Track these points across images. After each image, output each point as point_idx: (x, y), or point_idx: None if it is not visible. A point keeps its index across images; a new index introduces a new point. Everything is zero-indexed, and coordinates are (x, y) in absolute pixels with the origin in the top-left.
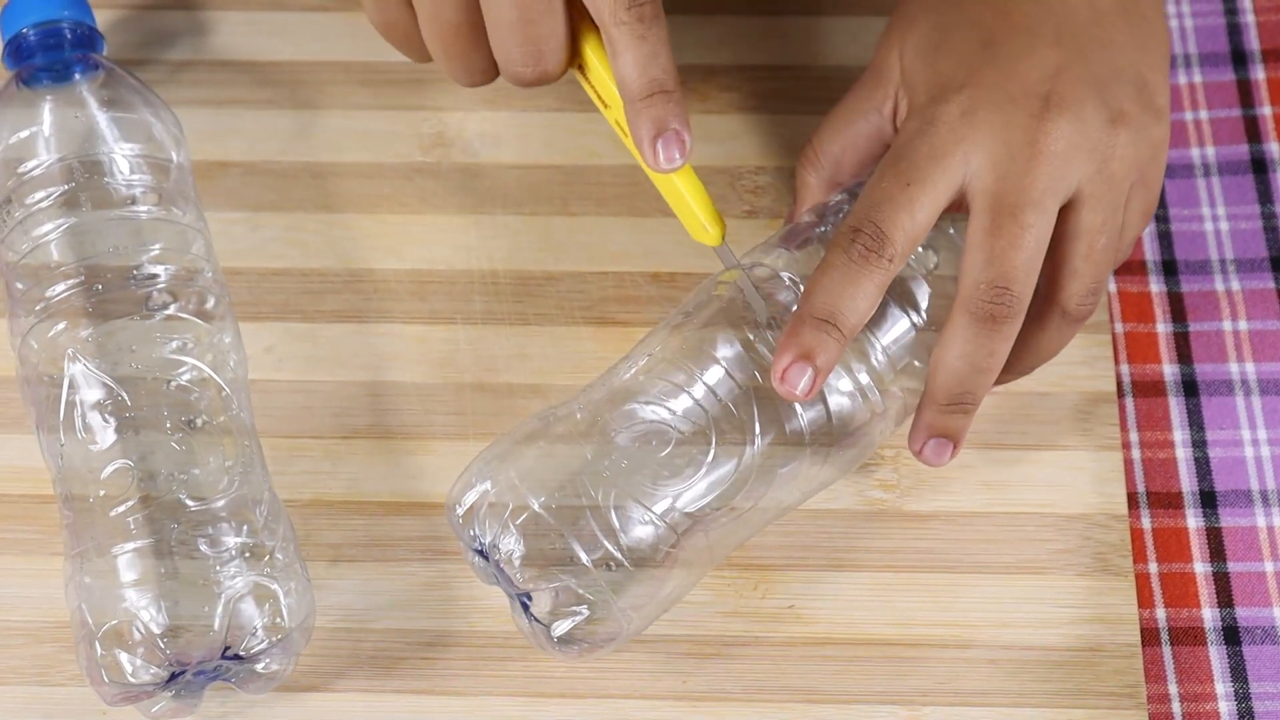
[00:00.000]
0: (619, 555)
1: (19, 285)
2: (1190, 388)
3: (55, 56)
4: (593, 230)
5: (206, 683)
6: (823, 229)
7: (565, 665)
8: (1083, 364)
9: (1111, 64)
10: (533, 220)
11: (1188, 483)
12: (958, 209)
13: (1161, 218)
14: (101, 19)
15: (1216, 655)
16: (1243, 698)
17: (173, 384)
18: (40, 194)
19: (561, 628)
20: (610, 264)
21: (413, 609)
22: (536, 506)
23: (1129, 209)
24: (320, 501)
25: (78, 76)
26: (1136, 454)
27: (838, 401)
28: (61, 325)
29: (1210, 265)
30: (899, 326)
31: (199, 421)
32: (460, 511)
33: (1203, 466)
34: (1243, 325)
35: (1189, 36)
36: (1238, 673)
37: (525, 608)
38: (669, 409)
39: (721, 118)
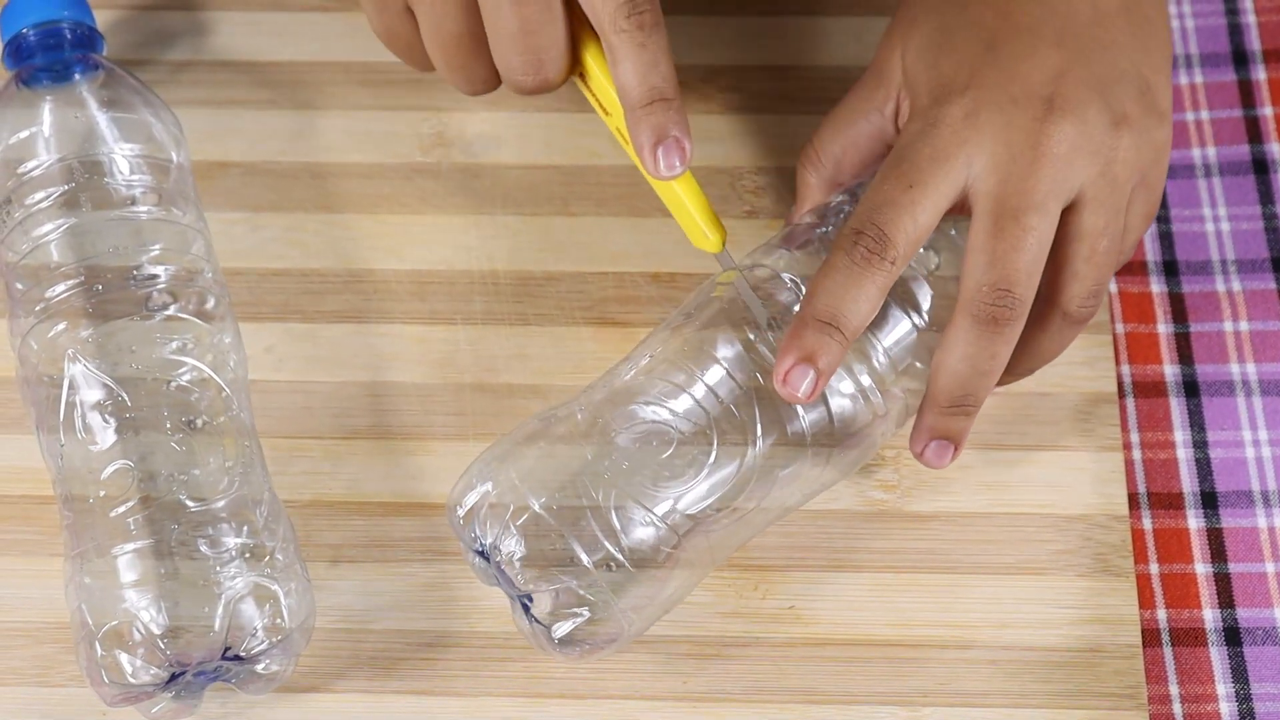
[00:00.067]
0: (620, 556)
1: (19, 286)
2: (1191, 388)
3: (55, 57)
4: (593, 230)
5: (207, 683)
6: (824, 229)
7: (565, 666)
8: (1083, 364)
9: (1114, 66)
10: (533, 220)
11: (1188, 483)
12: (960, 211)
13: (1162, 218)
14: (101, 19)
15: (1217, 656)
16: (1244, 699)
17: (173, 384)
18: (40, 194)
19: (562, 629)
20: (610, 264)
21: (413, 610)
22: (537, 508)
23: (1131, 211)
24: (320, 502)
25: (77, 77)
26: (1137, 454)
27: (839, 403)
28: (61, 326)
29: (1211, 266)
30: (901, 328)
31: (199, 422)
32: (461, 512)
33: (1204, 467)
34: (1244, 326)
35: (1190, 37)
36: (1239, 674)
37: (526, 609)
38: (670, 410)
39: (722, 118)
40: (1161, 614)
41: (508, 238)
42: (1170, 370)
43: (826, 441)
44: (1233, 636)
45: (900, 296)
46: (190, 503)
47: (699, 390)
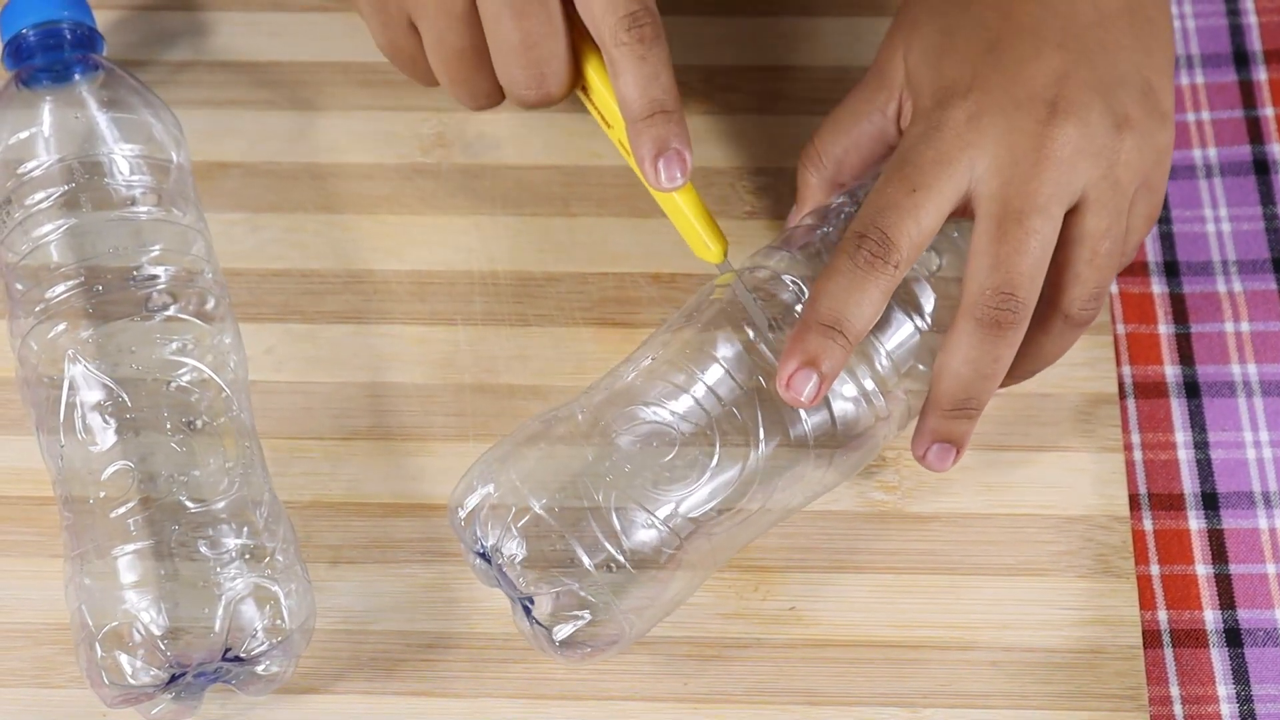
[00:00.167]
0: (621, 558)
1: (19, 286)
2: (1192, 389)
3: (55, 57)
4: (593, 231)
5: (207, 685)
6: (825, 230)
7: (566, 668)
8: (1084, 365)
9: (1117, 68)
10: (533, 221)
11: (1189, 484)
12: (963, 214)
13: (1163, 219)
14: (101, 19)
15: (1218, 657)
16: (1244, 700)
17: (173, 385)
18: (40, 195)
19: (563, 631)
20: (611, 265)
21: (413, 611)
22: (539, 509)
23: (1133, 213)
24: (320, 503)
25: (77, 77)
26: (1138, 455)
27: (842, 405)
28: (61, 326)
29: (1212, 266)
30: (903, 330)
31: (199, 423)
32: (462, 514)
33: (1204, 468)
34: (1244, 327)
35: (1191, 37)
36: (1239, 675)
37: (527, 611)
38: (672, 411)
39: (722, 118)
40: (1162, 615)
41: (508, 238)
42: (1171, 371)
43: (829, 444)
44: (1233, 638)
45: (901, 298)
46: (190, 504)
47: (701, 392)
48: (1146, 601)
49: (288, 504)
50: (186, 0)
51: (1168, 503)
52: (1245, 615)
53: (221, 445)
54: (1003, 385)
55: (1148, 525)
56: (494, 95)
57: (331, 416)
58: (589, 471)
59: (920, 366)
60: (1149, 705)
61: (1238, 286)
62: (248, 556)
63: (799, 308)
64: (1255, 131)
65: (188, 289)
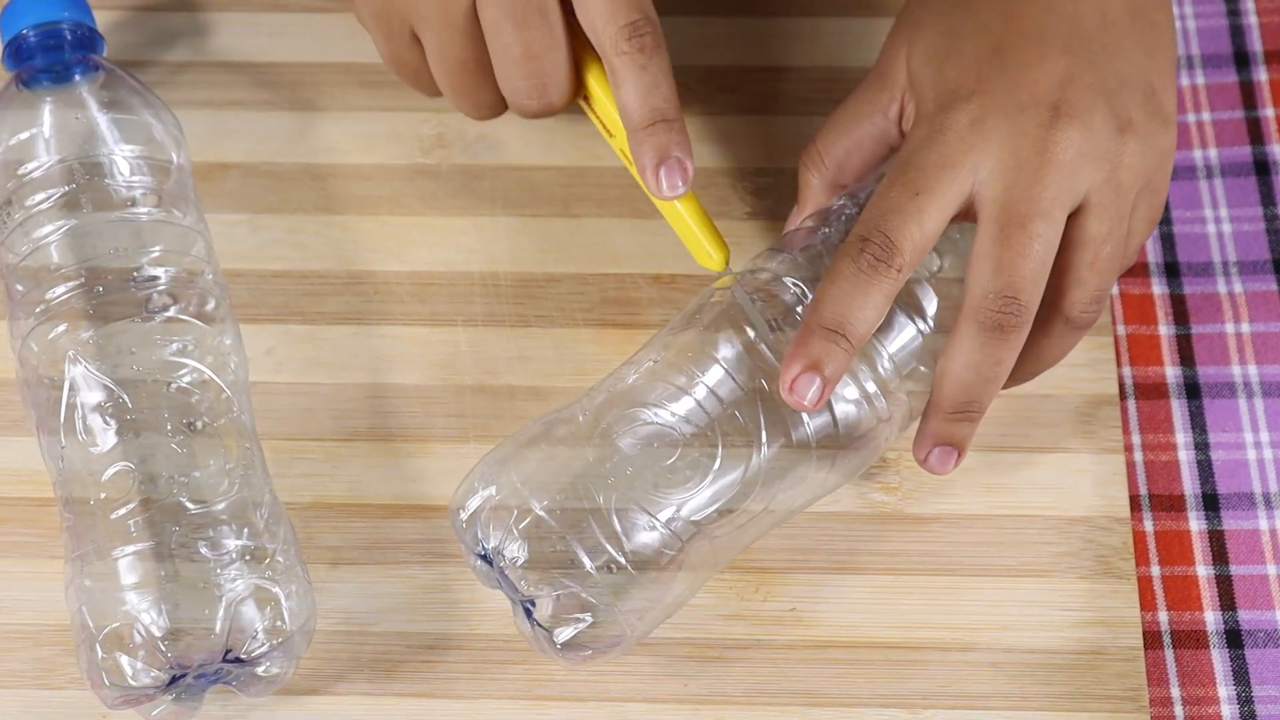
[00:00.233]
0: (623, 561)
1: (19, 287)
2: (1192, 390)
3: (55, 58)
4: (593, 232)
5: (207, 686)
6: (826, 231)
7: (566, 669)
8: (1085, 366)
9: (1120, 72)
10: (533, 222)
11: (1190, 485)
12: (965, 217)
13: (1164, 220)
14: (101, 20)
15: (1219, 658)
16: (1245, 701)
17: (173, 386)
18: (40, 196)
19: (565, 634)
20: (611, 266)
21: (413, 612)
22: (541, 512)
23: (1135, 216)
24: (321, 504)
25: (78, 78)
26: (1139, 456)
27: (844, 408)
28: (62, 327)
29: (1212, 267)
30: (905, 332)
31: (200, 424)
32: (464, 516)
33: (1205, 469)
34: (1245, 327)
35: (1192, 38)
36: (1240, 676)
37: (528, 613)
38: (674, 414)
39: (723, 119)
40: (1163, 616)
41: (508, 239)
42: (1171, 372)
43: (831, 445)
44: (1234, 639)
45: (904, 300)
46: (191, 505)
47: (703, 394)
48: (1147, 602)
49: (288, 505)
50: (187, 1)
51: (1168, 504)
52: (1246, 616)
53: (222, 446)
54: (1003, 387)
55: (1148, 526)
56: (496, 106)
57: (332, 418)
58: (591, 473)
59: (922, 368)
60: (1150, 706)
61: (1238, 287)
62: (248, 558)
63: (800, 310)
64: (1256, 132)
65: (188, 290)
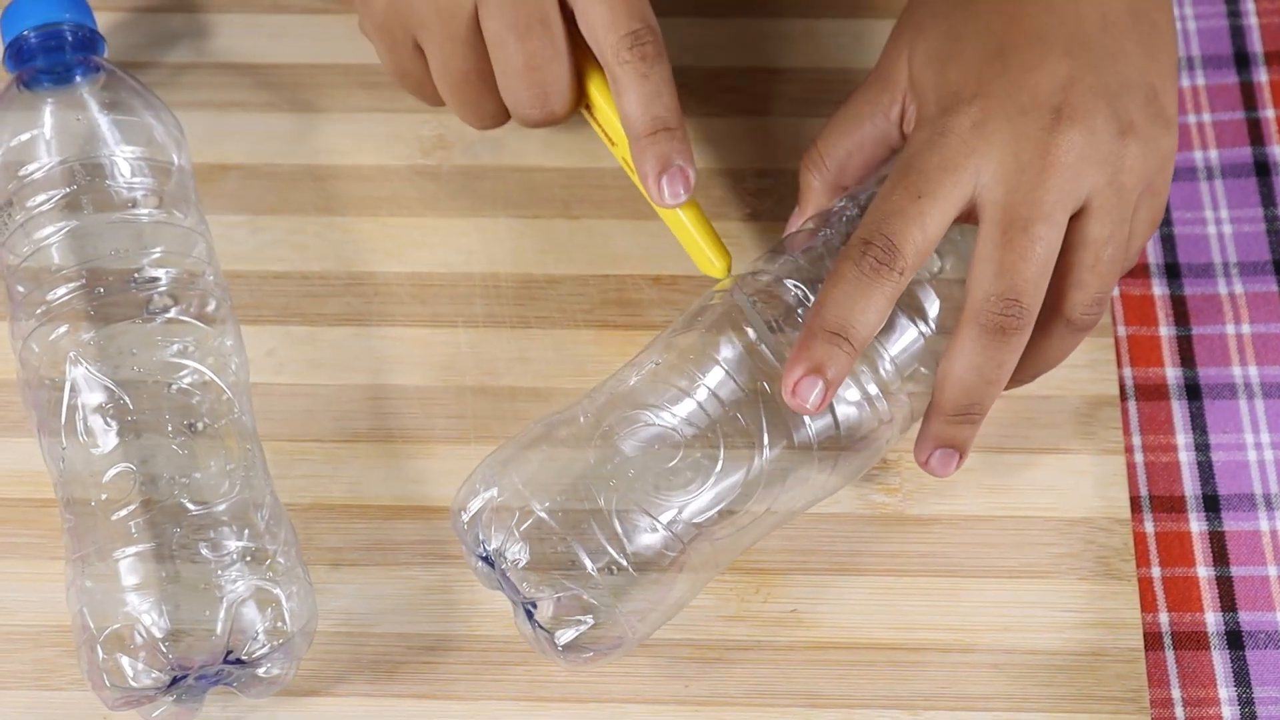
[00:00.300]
0: (624, 563)
1: (20, 288)
2: (1193, 391)
3: (56, 59)
4: (594, 233)
5: (208, 687)
6: (826, 232)
7: (567, 671)
8: (1085, 367)
9: (1122, 74)
10: (534, 223)
11: (1190, 486)
12: (967, 220)
13: (1164, 221)
14: (102, 21)
15: (1220, 660)
16: (1246, 702)
17: (174, 387)
18: (41, 197)
19: (566, 636)
20: (612, 267)
21: (414, 613)
22: (542, 514)
23: (1136, 218)
24: (321, 505)
25: (79, 79)
26: (1139, 458)
27: (845, 410)
28: (63, 329)
29: (1213, 268)
30: (906, 334)
31: (200, 425)
32: (465, 518)
33: (1205, 470)
34: (1245, 328)
35: (1192, 39)
36: (1241, 677)
37: (529, 615)
38: (676, 416)
39: (724, 120)
40: (1163, 617)
41: (509, 240)
42: (1172, 373)
43: (832, 448)
44: (1235, 640)
45: (905, 301)
46: (192, 506)
47: (704, 396)
48: (1148, 604)
49: (289, 506)
50: (187, 2)
51: (1169, 505)
52: (1246, 617)
53: (223, 448)
54: (1004, 388)
55: (1149, 527)
56: (499, 116)
57: (332, 419)
58: (592, 475)
59: (923, 369)
60: (1150, 707)
61: (1239, 288)
62: (249, 559)
63: (801, 312)
64: (1256, 133)
65: (189, 291)
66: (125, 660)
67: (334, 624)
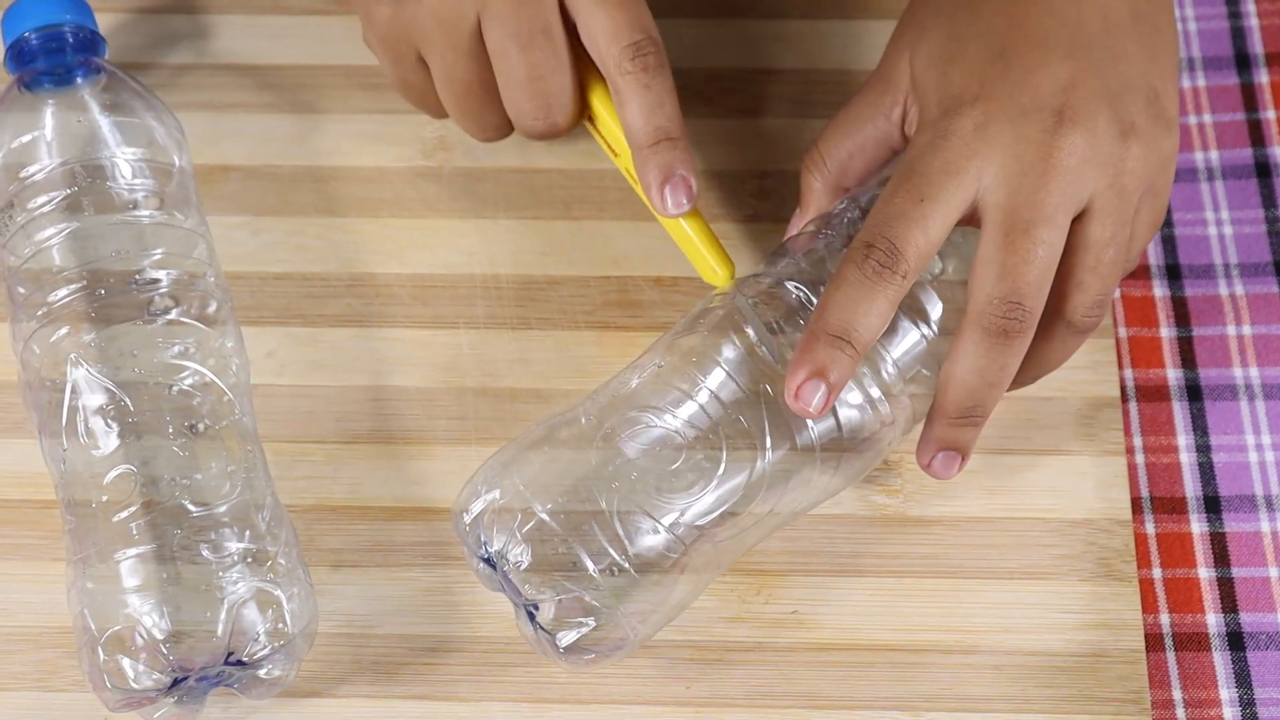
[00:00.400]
0: (626, 565)
1: (21, 290)
2: (1194, 392)
3: (57, 60)
4: (595, 234)
5: (209, 689)
6: (828, 234)
7: (569, 672)
8: (1086, 369)
9: (1123, 76)
10: (535, 224)
11: (1192, 488)
12: (969, 222)
13: (1165, 222)
14: (103, 22)
15: (1221, 661)
16: (1247, 703)
17: (175, 389)
18: (42, 198)
19: (568, 637)
20: (613, 268)
21: (415, 614)
22: (544, 516)
23: (1137, 220)
24: (322, 506)
25: (79, 80)
26: (1140, 459)
27: (847, 412)
28: (63, 330)
29: (1214, 269)
30: (907, 336)
31: (201, 426)
32: (467, 519)
33: (1207, 471)
34: (1247, 330)
35: (1193, 40)
36: (1242, 678)
37: (531, 617)
38: (678, 418)
39: (725, 121)
40: (1165, 618)
41: (510, 241)
42: (1173, 374)
43: (835, 450)
44: (1236, 641)
45: (906, 304)
46: (193, 507)
47: (706, 398)
48: (1149, 605)
49: (290, 507)
50: (188, 3)
51: (1170, 506)
52: (1247, 618)
53: (224, 449)
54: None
55: (1150, 529)
56: (502, 128)
57: (333, 420)
58: (594, 477)
59: (924, 371)
60: (1151, 709)
61: (1239, 289)
62: (250, 560)
63: (803, 314)
64: (1257, 134)
65: (190, 293)
66: (126, 662)
67: (335, 625)
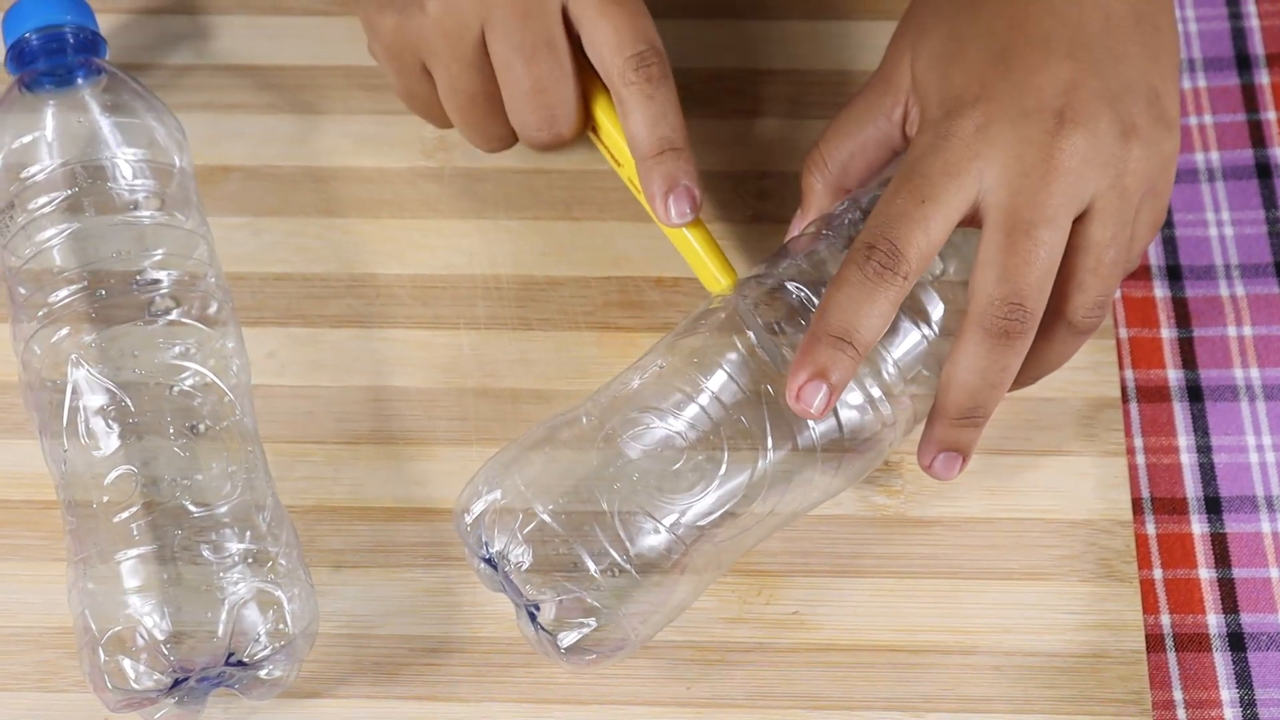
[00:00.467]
0: (628, 566)
1: (22, 290)
2: (1195, 393)
3: (58, 61)
4: (595, 235)
5: (210, 689)
6: (829, 235)
7: (570, 673)
8: (1087, 369)
9: (1124, 77)
10: (535, 225)
11: (1192, 488)
12: (970, 223)
13: (1166, 223)
14: (103, 23)
15: (1221, 661)
16: (1248, 704)
17: (176, 389)
18: (43, 199)
19: (569, 638)
20: (613, 269)
21: (416, 615)
22: (546, 517)
23: (1138, 220)
24: (323, 507)
25: (80, 81)
26: (1141, 459)
27: (848, 413)
28: (64, 331)
29: (1215, 270)
30: (908, 337)
31: (202, 427)
32: (469, 520)
33: (1207, 472)
34: (1247, 330)
35: (1193, 41)
36: (1243, 679)
37: (532, 617)
38: (680, 419)
39: (726, 122)
40: (1165, 619)
41: (510, 242)
42: (1174, 375)
43: (836, 450)
44: (1237, 642)
45: (907, 304)
46: (193, 508)
47: (707, 399)
48: (1149, 605)
49: (290, 508)
50: (189, 4)
51: (1170, 507)
52: (1248, 619)
53: (224, 450)
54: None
55: (1150, 529)
56: (507, 138)
57: (334, 421)
58: (595, 477)
59: (925, 372)
60: (1152, 710)
61: (1240, 290)
62: (251, 561)
63: (805, 315)
64: (1257, 135)
65: (190, 293)
66: (127, 662)
67: (336, 626)
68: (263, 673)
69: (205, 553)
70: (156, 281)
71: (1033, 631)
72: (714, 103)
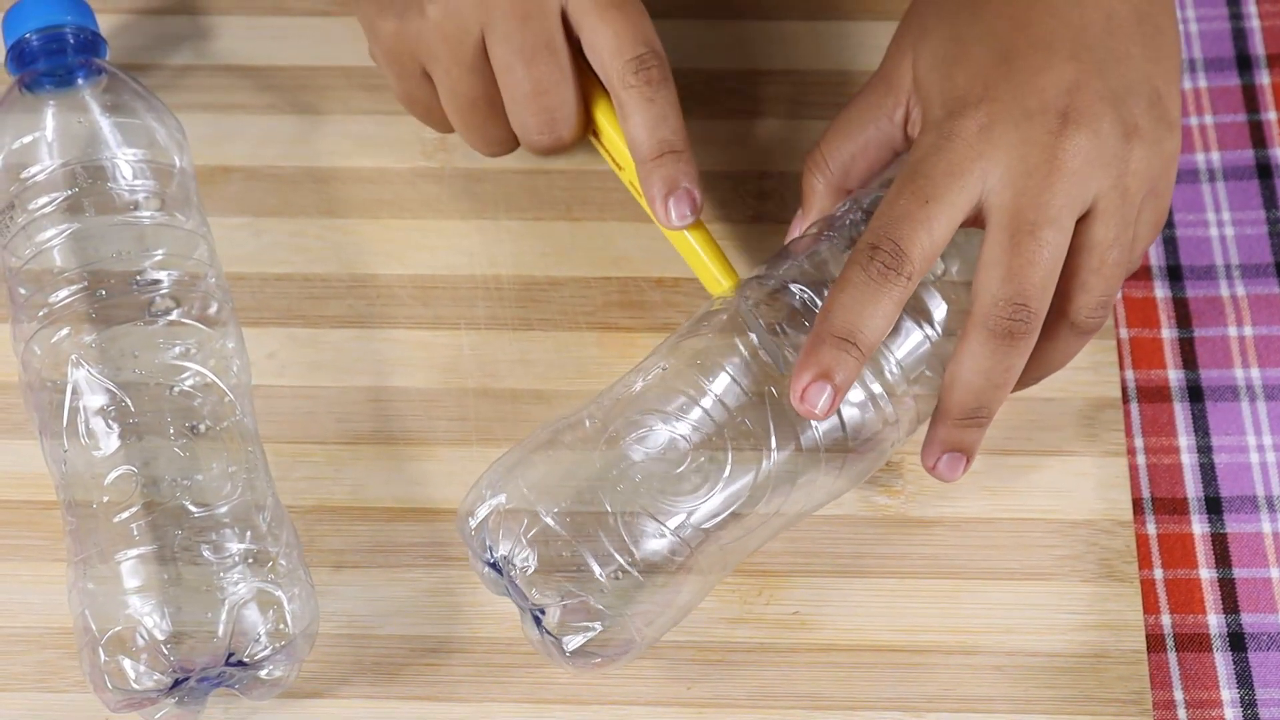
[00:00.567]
0: (632, 568)
1: (22, 291)
2: (1195, 393)
3: (58, 61)
4: (596, 235)
5: (210, 689)
6: (831, 236)
7: (572, 675)
8: (1088, 370)
9: (1126, 77)
10: (536, 225)
11: (1193, 488)
12: (973, 224)
13: (1166, 223)
14: (104, 23)
15: (1222, 661)
16: (1248, 704)
17: (176, 390)
18: (43, 199)
19: (574, 642)
20: (614, 269)
21: (416, 615)
22: (550, 521)
23: (1140, 221)
24: (323, 507)
25: (80, 81)
26: (1141, 460)
27: (852, 414)
28: (64, 331)
29: (1215, 270)
30: (911, 337)
31: (202, 427)
32: (473, 524)
33: (1208, 472)
34: (1248, 330)
35: (1194, 41)
36: (1243, 679)
37: (537, 621)
38: (684, 422)
39: (727, 122)
40: (1166, 619)
41: (511, 242)
42: (1174, 375)
43: (839, 451)
44: (1237, 642)
45: (910, 305)
46: (193, 508)
47: (710, 401)
48: (1150, 606)
49: (291, 508)
50: (189, 4)
51: (1171, 507)
52: (1249, 619)
53: (225, 450)
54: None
55: (1151, 529)
56: (507, 142)
57: (334, 421)
58: (599, 480)
59: (928, 372)
60: (1153, 710)
61: (1241, 290)
62: (251, 561)
63: (807, 316)
64: (1258, 135)
65: (191, 293)
66: (127, 662)
67: (336, 626)
68: (263, 673)
69: (205, 553)
70: (157, 282)
71: (1034, 632)
72: (713, 103)
